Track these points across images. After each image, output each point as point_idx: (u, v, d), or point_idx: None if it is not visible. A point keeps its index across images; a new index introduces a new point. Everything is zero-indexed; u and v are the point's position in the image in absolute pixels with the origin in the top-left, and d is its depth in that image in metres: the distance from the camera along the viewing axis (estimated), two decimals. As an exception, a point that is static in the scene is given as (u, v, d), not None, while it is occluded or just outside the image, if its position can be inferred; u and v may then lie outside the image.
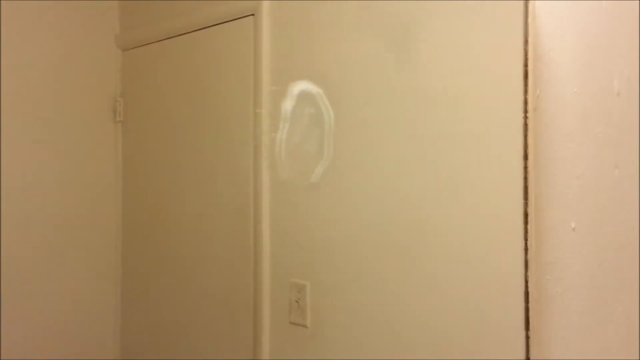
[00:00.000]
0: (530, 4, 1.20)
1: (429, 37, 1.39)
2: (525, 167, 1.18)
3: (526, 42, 1.19)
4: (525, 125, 1.19)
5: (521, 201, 1.19)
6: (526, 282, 1.16)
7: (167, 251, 2.09)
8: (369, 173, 1.50)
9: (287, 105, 1.68)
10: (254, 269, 1.76)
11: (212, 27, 1.92)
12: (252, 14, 1.76)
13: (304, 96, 1.65)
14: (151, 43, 2.18)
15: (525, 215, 1.18)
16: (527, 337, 1.17)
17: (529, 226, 1.18)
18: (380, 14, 1.48)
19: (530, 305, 1.16)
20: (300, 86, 1.65)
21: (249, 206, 1.77)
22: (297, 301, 1.66)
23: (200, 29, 1.97)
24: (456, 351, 1.33)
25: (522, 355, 1.19)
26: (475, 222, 1.29)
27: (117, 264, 2.28)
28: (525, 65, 1.19)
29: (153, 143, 2.16)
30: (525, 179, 1.18)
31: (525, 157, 1.18)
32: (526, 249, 1.17)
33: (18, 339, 1.97)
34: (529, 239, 1.17)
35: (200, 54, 1.97)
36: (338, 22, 1.57)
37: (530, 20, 1.19)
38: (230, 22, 1.85)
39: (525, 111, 1.19)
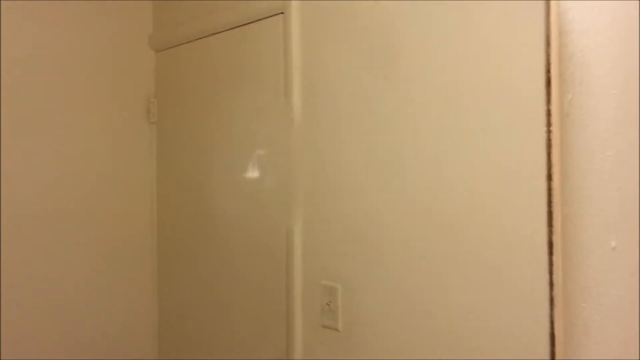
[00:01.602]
0: (553, 3, 0.95)
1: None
2: (549, 190, 0.95)
3: (548, 44, 0.95)
4: (549, 140, 0.95)
5: (545, 229, 0.96)
6: (551, 322, 0.95)
7: (201, 251, 2.00)
8: (394, 178, 1.36)
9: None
10: (285, 271, 1.65)
11: (243, 27, 1.80)
12: (282, 12, 1.64)
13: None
14: (183, 44, 2.07)
15: (550, 245, 0.95)
16: (554, 385, 0.96)
17: (554, 257, 0.95)
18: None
19: (557, 349, 0.95)
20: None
21: (280, 207, 1.66)
22: (328, 304, 1.54)
23: (230, 29, 1.85)
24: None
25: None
26: (494, 254, 1.09)
27: (153, 262, 2.20)
28: (548, 70, 0.95)
29: (187, 143, 2.06)
30: (550, 202, 0.95)
31: (549, 178, 0.95)
32: (551, 285, 0.95)
33: (58, 339, 1.92)
34: (554, 272, 0.95)
35: (231, 54, 1.85)
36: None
37: (553, 18, 0.95)
38: (261, 21, 1.73)
39: (549, 124, 0.95)
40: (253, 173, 1.77)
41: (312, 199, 1.58)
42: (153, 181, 2.19)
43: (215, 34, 1.91)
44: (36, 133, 1.89)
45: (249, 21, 1.77)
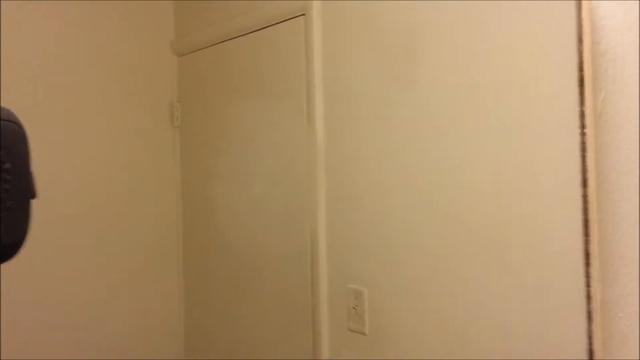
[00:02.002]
0: (585, -5, 0.86)
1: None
2: (585, 196, 0.87)
3: (580, 41, 0.86)
4: (583, 144, 0.87)
5: (580, 238, 0.88)
6: (589, 337, 0.86)
7: (226, 252, 1.95)
8: (421, 180, 1.29)
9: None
10: (311, 275, 1.59)
11: (264, 30, 1.75)
12: (303, 14, 1.59)
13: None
14: (205, 48, 2.03)
15: (587, 255, 0.87)
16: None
17: (591, 269, 0.87)
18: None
19: (595, 365, 0.86)
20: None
21: (304, 211, 1.61)
22: (354, 308, 1.48)
23: (251, 32, 1.80)
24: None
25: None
26: (527, 265, 1.01)
27: (179, 262, 2.16)
28: (581, 69, 0.86)
29: (210, 147, 2.02)
30: (585, 210, 0.87)
31: (584, 184, 0.87)
32: (589, 297, 0.87)
33: (84, 338, 1.90)
34: (592, 285, 0.87)
35: (253, 57, 1.80)
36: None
37: (584, 14, 0.86)
38: (282, 23, 1.67)
39: (583, 126, 0.87)
40: (276, 176, 1.72)
41: (337, 202, 1.52)
42: (178, 184, 2.15)
43: (236, 37, 1.86)
44: (61, 137, 1.86)
45: (270, 24, 1.71)
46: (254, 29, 1.78)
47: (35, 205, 1.71)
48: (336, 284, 1.53)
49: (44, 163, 1.79)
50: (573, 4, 0.89)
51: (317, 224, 1.56)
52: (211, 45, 1.98)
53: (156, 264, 2.10)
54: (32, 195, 0.52)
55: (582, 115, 0.87)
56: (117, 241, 1.98)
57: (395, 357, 1.37)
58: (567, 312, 0.94)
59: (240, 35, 1.84)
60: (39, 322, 1.78)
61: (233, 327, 1.92)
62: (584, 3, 0.88)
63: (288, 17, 1.64)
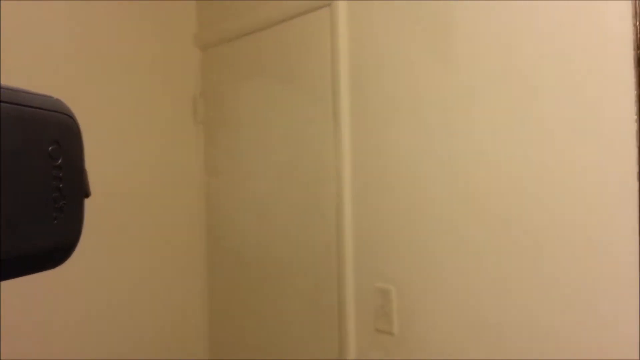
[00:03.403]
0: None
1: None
2: (642, 192, 0.74)
3: (636, 15, 0.73)
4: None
5: (636, 239, 0.75)
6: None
7: (251, 251, 1.89)
8: (456, 174, 1.22)
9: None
10: (337, 273, 1.54)
11: (288, 21, 1.70)
12: (328, 4, 1.55)
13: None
14: (228, 41, 1.97)
15: (644, 258, 0.74)
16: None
17: (649, 274, 0.74)
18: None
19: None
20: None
21: (330, 207, 1.55)
22: (382, 307, 1.42)
23: (275, 24, 1.75)
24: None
25: None
26: (573, 265, 0.90)
27: (203, 264, 2.10)
28: (637, 47, 0.73)
29: (234, 142, 1.95)
30: (643, 207, 0.74)
31: (642, 177, 0.74)
32: (646, 307, 0.74)
33: (108, 338, 1.84)
34: (650, 292, 0.74)
35: (277, 50, 1.75)
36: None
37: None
38: (308, 14, 1.63)
39: (639, 113, 0.74)
40: (302, 171, 1.66)
41: (364, 197, 1.45)
42: (201, 182, 2.08)
43: (260, 30, 1.80)
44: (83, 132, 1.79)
45: (296, 15, 1.65)
46: (277, 21, 1.72)
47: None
48: (363, 283, 1.47)
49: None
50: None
51: (343, 220, 1.49)
52: (234, 39, 1.92)
53: (179, 263, 2.04)
54: (86, 194, 0.47)
55: (638, 100, 0.74)
56: (138, 240, 1.92)
57: (424, 357, 1.31)
58: (620, 322, 0.83)
59: (264, 28, 1.78)
60: (63, 322, 1.73)
61: (257, 327, 1.87)
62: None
63: (312, 9, 1.58)
